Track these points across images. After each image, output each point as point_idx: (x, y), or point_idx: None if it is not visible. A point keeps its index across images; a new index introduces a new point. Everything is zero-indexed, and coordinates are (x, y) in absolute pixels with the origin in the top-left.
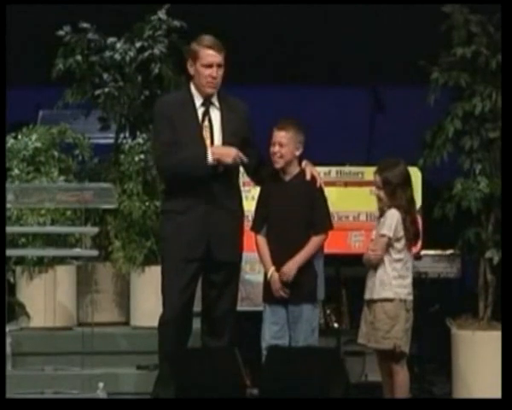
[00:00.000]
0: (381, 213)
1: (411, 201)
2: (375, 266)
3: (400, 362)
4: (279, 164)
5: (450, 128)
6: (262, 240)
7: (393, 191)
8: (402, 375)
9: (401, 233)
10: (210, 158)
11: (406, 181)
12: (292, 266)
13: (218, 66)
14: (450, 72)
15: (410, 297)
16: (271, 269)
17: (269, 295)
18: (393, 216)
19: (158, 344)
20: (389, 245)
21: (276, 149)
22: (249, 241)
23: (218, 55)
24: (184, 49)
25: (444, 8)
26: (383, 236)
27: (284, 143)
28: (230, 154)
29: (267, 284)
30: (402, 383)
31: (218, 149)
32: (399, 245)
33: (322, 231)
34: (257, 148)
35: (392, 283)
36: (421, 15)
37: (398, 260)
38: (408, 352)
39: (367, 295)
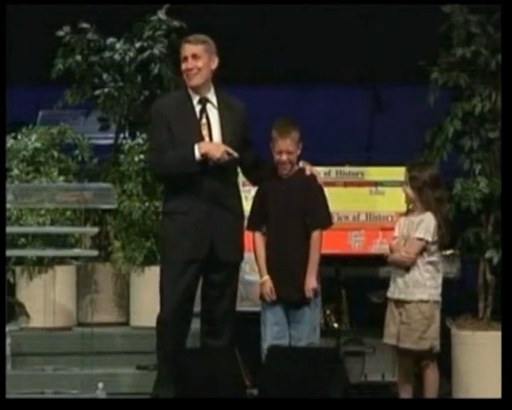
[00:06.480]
0: (411, 213)
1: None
2: (408, 267)
3: (432, 362)
4: (287, 170)
5: (449, 128)
6: (260, 239)
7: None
8: (433, 374)
9: (436, 237)
10: (197, 154)
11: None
12: (311, 281)
13: (193, 57)
14: (449, 72)
15: (440, 298)
16: (266, 277)
17: None
18: (431, 220)
19: (156, 344)
20: (424, 249)
21: (284, 157)
22: (249, 241)
23: (193, 46)
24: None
25: (444, 8)
26: (421, 240)
27: (291, 150)
28: (218, 149)
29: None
30: (433, 382)
31: (205, 144)
32: (433, 248)
33: (321, 226)
34: (254, 147)
35: (426, 284)
36: (421, 15)
37: (431, 262)
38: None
39: (395, 295)
